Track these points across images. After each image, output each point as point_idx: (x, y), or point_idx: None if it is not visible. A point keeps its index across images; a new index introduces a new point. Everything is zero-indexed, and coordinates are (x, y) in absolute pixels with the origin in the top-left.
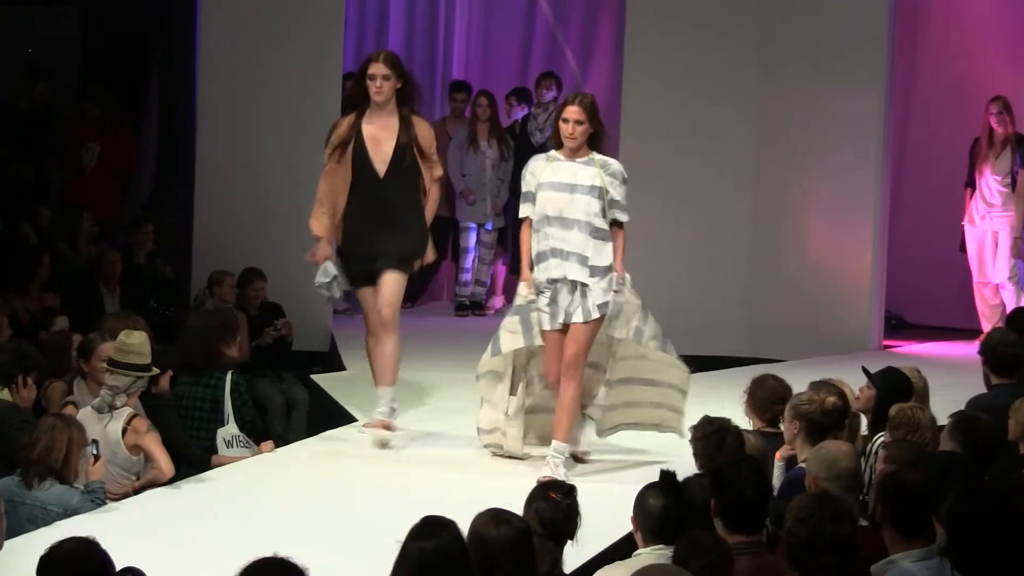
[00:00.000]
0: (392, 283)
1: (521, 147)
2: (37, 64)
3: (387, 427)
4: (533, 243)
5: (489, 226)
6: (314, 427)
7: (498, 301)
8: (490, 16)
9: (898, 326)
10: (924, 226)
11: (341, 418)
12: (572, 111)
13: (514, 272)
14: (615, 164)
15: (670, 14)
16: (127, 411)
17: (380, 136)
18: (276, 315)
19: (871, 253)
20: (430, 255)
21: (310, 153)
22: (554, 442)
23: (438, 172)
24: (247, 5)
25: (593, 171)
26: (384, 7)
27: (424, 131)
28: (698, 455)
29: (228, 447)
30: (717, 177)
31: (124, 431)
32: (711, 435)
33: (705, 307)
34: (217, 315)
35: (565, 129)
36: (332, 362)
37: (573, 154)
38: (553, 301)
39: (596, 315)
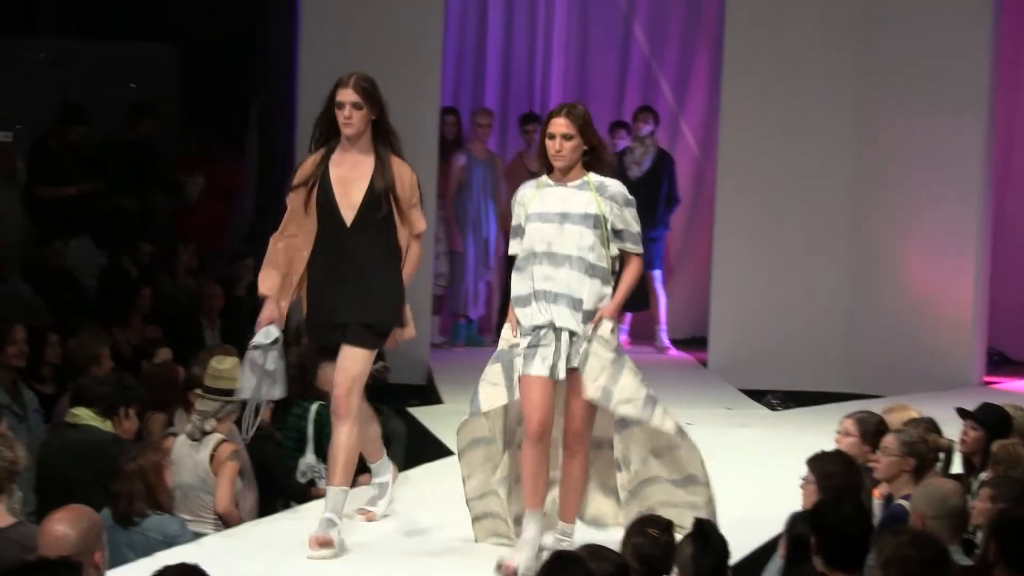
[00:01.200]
0: (350, 360)
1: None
2: (144, 99)
3: (322, 543)
4: (513, 284)
5: None
6: (412, 460)
7: None
8: (586, 49)
9: (1000, 362)
10: None
11: (438, 451)
12: (558, 124)
13: None
14: (614, 185)
15: (768, 49)
16: (216, 437)
17: (350, 178)
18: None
19: (972, 287)
20: (408, 330)
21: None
22: (560, 524)
23: (420, 226)
24: (346, 37)
25: (587, 196)
26: (482, 41)
27: (405, 175)
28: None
29: (302, 476)
30: (816, 213)
31: (212, 457)
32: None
33: (803, 342)
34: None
35: (551, 146)
36: (429, 395)
37: (564, 177)
38: (533, 347)
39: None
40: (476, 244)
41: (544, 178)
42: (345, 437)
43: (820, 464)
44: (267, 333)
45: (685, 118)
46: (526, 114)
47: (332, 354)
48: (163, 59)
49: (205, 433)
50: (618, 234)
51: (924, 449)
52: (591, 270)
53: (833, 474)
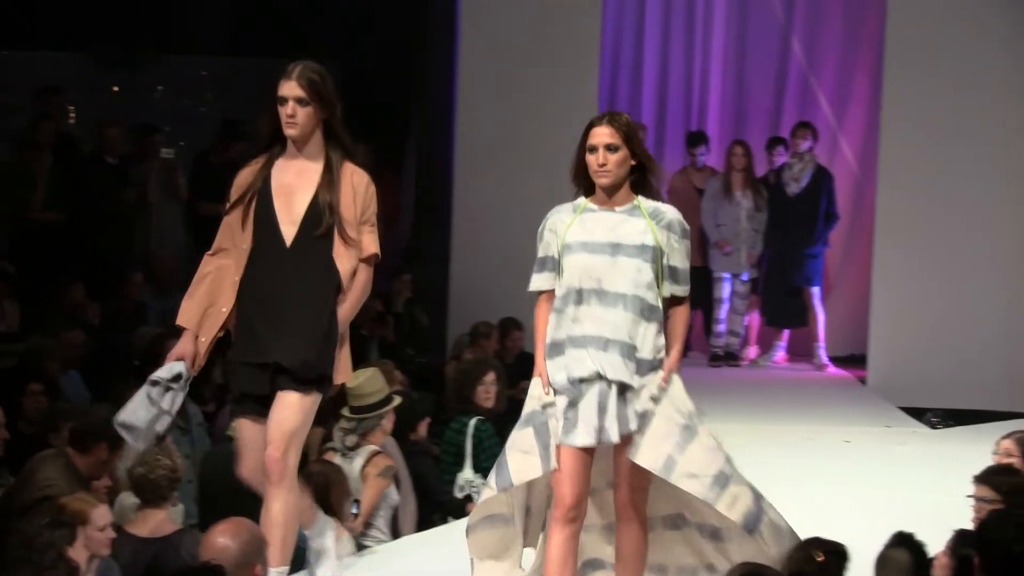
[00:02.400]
0: (287, 410)
1: (776, 197)
2: None
3: None
4: (550, 328)
5: (744, 276)
6: None
7: (752, 352)
8: (744, 65)
9: None
10: None
11: None
12: (601, 133)
13: (771, 323)
14: (670, 212)
15: (929, 62)
16: (370, 449)
17: (294, 187)
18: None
19: None
20: (342, 373)
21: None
22: None
23: (371, 248)
24: (503, 55)
25: (642, 224)
26: (639, 57)
27: (359, 185)
28: None
29: (460, 491)
30: (977, 229)
31: (364, 467)
32: None
33: (964, 359)
34: (472, 363)
35: (593, 160)
36: None
37: (610, 199)
38: (573, 406)
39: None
40: None
41: (582, 200)
42: (280, 508)
43: (996, 478)
44: (170, 368)
45: (844, 134)
46: (694, 133)
47: (259, 404)
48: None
49: (350, 449)
50: (672, 272)
51: None
52: (648, 312)
53: (1013, 487)
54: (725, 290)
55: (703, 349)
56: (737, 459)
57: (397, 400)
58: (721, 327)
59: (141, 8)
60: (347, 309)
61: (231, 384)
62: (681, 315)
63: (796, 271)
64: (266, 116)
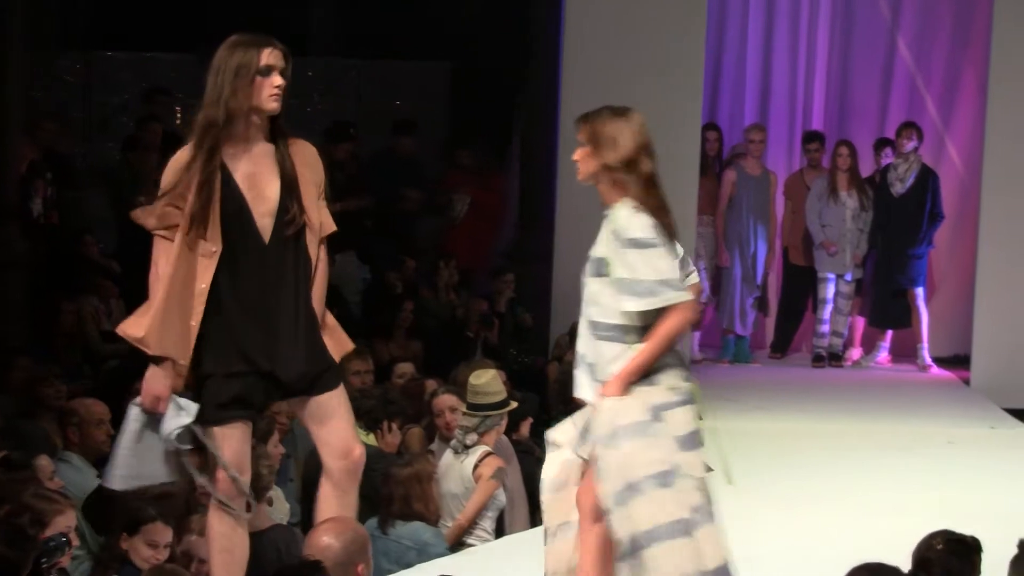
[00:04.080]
0: (343, 406)
1: (881, 197)
2: (406, 117)
3: None
4: None
5: (848, 277)
6: None
7: (856, 353)
8: (849, 64)
9: None
10: None
11: None
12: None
13: (875, 324)
14: (619, 218)
15: None
16: (483, 449)
17: (259, 175)
18: None
19: None
20: (339, 349)
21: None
22: None
23: (330, 226)
24: (607, 54)
25: (604, 232)
26: (742, 57)
27: (312, 157)
28: None
29: None
30: None
31: (475, 467)
32: None
33: None
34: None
35: None
36: None
37: (604, 201)
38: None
39: None
40: (743, 260)
41: None
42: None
43: None
44: (178, 407)
45: (950, 134)
46: (809, 132)
47: (248, 409)
48: (436, 77)
49: (467, 447)
50: (619, 284)
51: None
52: (600, 330)
53: None
54: (830, 291)
55: (808, 349)
56: (838, 461)
57: (515, 403)
58: (825, 327)
59: (247, 8)
60: (322, 294)
61: (208, 396)
62: (658, 326)
63: (900, 272)
64: (232, 93)
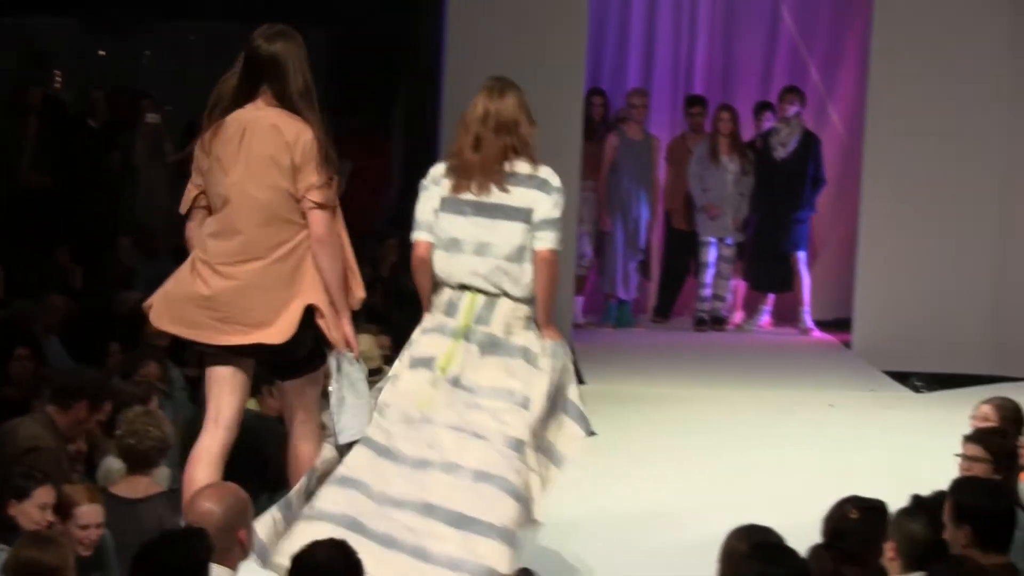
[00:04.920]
0: None
1: (763, 161)
2: None
3: None
4: None
5: (729, 241)
6: None
7: (738, 316)
8: (732, 30)
9: None
10: None
11: None
12: None
13: (757, 288)
14: None
15: (918, 27)
16: None
17: None
18: None
19: None
20: None
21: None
22: None
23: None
24: (492, 24)
25: None
26: (625, 22)
27: None
28: None
29: None
30: (964, 194)
31: None
32: None
33: (949, 323)
34: None
35: None
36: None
37: None
38: None
39: None
40: (625, 225)
41: None
42: None
43: (989, 439)
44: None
45: (832, 99)
46: (691, 96)
47: None
48: (318, 43)
49: None
50: None
51: None
52: None
53: (1002, 449)
54: (711, 255)
55: (690, 313)
56: (720, 424)
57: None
58: (707, 291)
59: None
60: None
61: None
62: None
63: (783, 236)
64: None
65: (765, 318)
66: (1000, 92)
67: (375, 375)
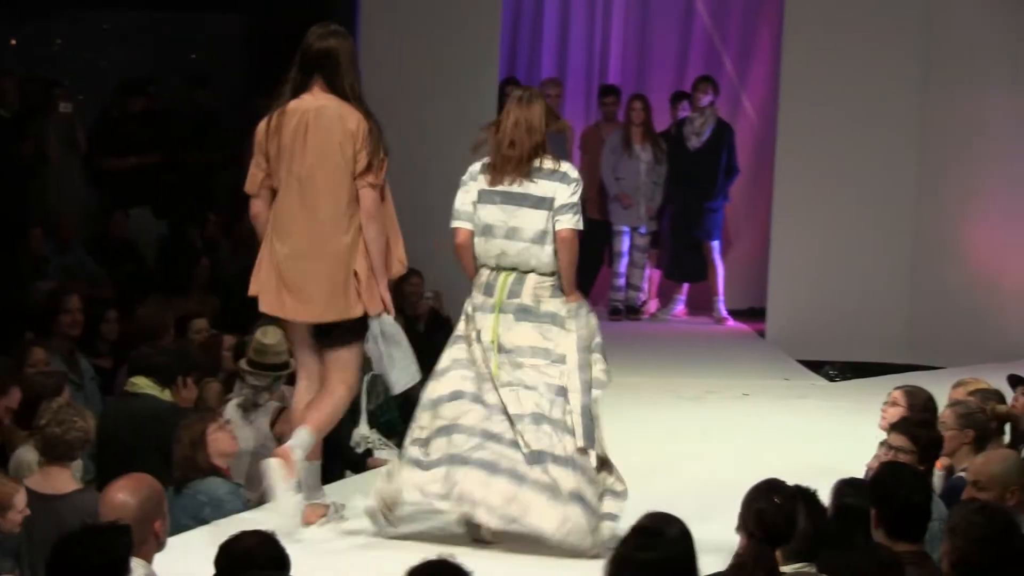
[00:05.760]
0: None
1: (677, 150)
2: (198, 70)
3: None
4: None
5: (643, 230)
6: None
7: (652, 305)
8: (647, 20)
9: None
10: None
11: None
12: None
13: (671, 277)
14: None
15: (829, 21)
16: (275, 405)
17: None
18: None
19: None
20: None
21: (467, 158)
22: None
23: None
24: (406, 13)
25: None
26: (539, 11)
27: None
28: None
29: (357, 447)
30: (878, 184)
31: (273, 424)
32: None
33: (863, 313)
34: None
35: None
36: None
37: None
38: None
39: None
40: None
41: None
42: None
43: (915, 430)
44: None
45: (746, 90)
46: (605, 86)
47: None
48: (228, 31)
49: (257, 405)
50: None
51: (982, 420)
52: None
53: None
54: (625, 244)
55: (604, 303)
56: (634, 413)
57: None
58: (621, 281)
59: None
60: None
61: None
62: None
63: (696, 225)
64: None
65: (680, 307)
66: (913, 80)
67: (283, 369)
